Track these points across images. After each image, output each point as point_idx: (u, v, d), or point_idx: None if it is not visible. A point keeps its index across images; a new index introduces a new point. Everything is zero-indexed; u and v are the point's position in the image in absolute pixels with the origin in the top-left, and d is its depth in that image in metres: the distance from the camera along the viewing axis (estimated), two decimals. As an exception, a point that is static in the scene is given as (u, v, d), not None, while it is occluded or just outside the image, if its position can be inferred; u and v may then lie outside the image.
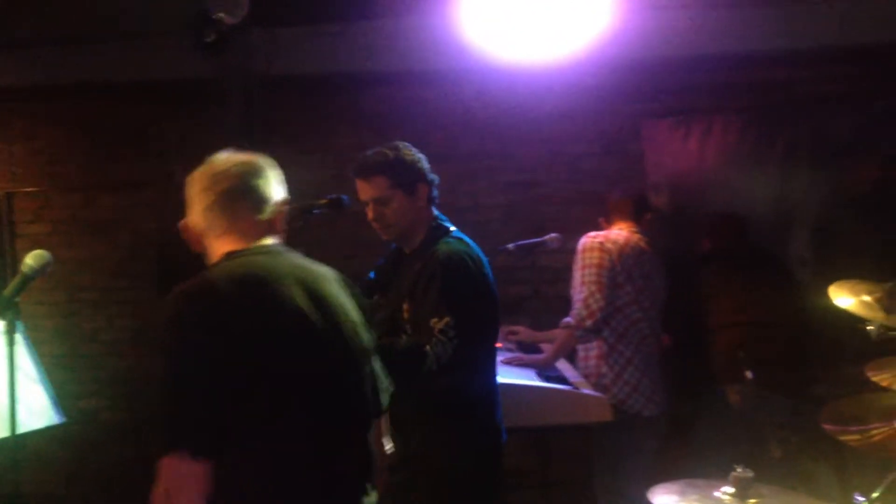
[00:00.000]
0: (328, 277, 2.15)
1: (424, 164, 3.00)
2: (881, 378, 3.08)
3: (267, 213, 2.13)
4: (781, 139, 4.84)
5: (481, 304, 2.90)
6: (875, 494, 3.00)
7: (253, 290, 1.93)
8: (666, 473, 2.70)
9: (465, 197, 5.20)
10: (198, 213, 2.10)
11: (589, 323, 3.88)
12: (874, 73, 4.82)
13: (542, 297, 5.06)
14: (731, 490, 2.33)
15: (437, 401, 2.87)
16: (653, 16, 4.67)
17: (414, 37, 4.88)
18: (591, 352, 4.02)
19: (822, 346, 4.36)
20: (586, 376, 3.91)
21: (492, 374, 3.07)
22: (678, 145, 5.01)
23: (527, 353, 4.03)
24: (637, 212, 4.27)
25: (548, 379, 3.66)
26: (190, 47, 4.36)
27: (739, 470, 2.33)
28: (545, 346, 4.12)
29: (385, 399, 2.26)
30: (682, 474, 2.57)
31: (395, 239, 3.08)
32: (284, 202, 2.19)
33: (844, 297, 2.99)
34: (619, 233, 4.09)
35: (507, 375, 3.51)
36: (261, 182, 2.14)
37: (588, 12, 4.18)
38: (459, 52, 4.56)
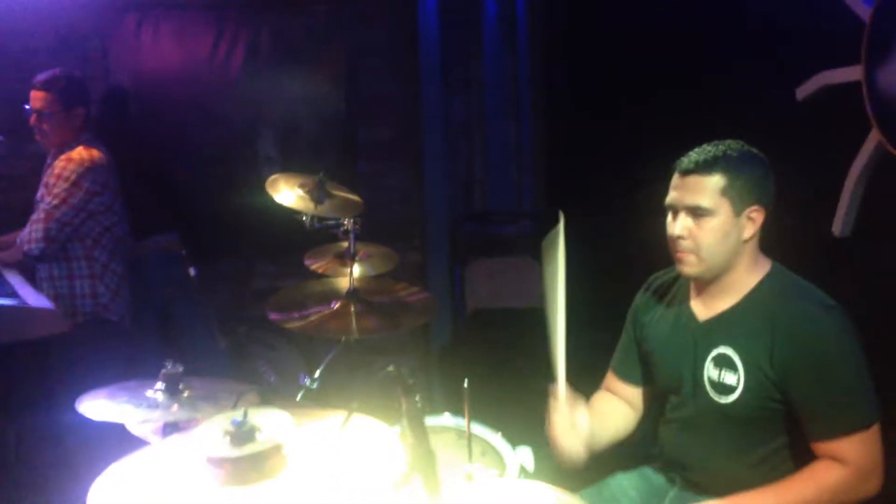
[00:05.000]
0: None
1: None
2: (318, 266, 3.37)
3: None
4: (243, 39, 4.84)
5: None
6: (316, 374, 3.30)
7: None
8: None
9: None
10: None
11: (37, 253, 3.65)
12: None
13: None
14: (163, 386, 2.35)
15: None
16: None
17: None
18: (76, 273, 3.76)
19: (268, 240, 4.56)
20: (68, 296, 3.69)
21: None
22: (144, 43, 4.80)
23: None
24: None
25: (-10, 293, 3.38)
26: None
27: (169, 366, 2.36)
28: None
29: None
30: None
31: None
32: None
33: (282, 193, 3.14)
34: (90, 148, 3.79)
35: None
36: None
37: None
38: None
